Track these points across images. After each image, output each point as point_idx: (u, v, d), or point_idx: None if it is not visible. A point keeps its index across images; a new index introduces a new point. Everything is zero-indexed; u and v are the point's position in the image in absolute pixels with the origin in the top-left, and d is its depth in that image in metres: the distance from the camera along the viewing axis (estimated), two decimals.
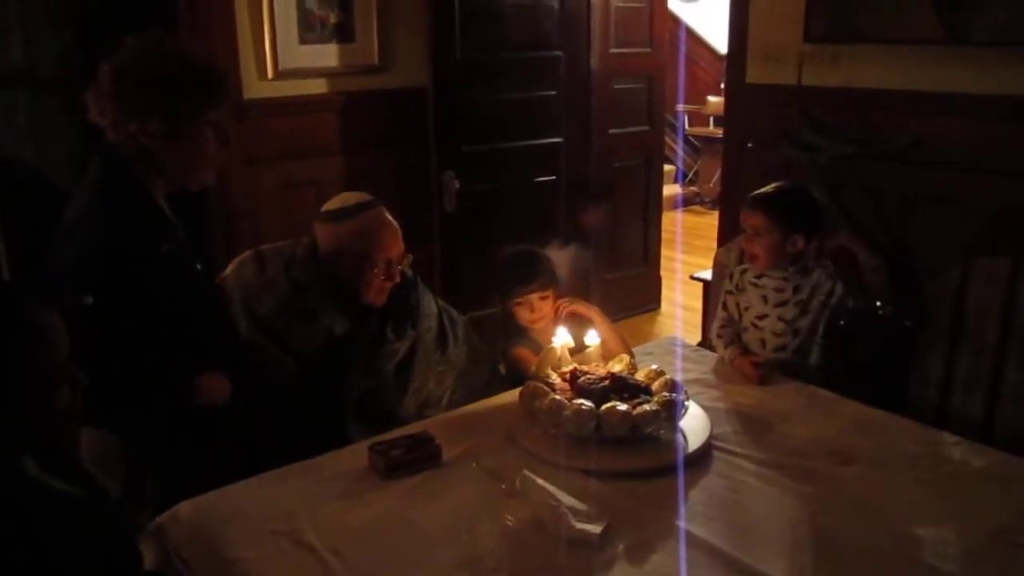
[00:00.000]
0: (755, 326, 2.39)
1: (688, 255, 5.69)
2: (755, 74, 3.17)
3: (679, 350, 2.48)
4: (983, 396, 2.30)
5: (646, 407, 1.84)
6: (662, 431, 1.87)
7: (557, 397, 1.91)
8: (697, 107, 8.12)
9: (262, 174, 3.25)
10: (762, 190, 2.40)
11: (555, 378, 2.04)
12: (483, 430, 1.97)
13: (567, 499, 1.62)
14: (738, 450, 1.88)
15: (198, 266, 2.04)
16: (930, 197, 2.69)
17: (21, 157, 3.51)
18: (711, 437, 1.90)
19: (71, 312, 1.69)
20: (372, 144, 3.48)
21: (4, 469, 1.20)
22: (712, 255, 3.03)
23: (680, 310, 4.95)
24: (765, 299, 2.38)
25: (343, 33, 3.35)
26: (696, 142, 8.36)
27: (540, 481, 1.67)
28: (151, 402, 1.84)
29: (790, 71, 2.97)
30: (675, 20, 7.34)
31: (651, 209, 4.93)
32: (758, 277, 2.40)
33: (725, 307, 2.50)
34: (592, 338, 2.19)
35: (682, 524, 1.61)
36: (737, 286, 2.46)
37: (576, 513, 1.58)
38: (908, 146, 2.70)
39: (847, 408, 2.09)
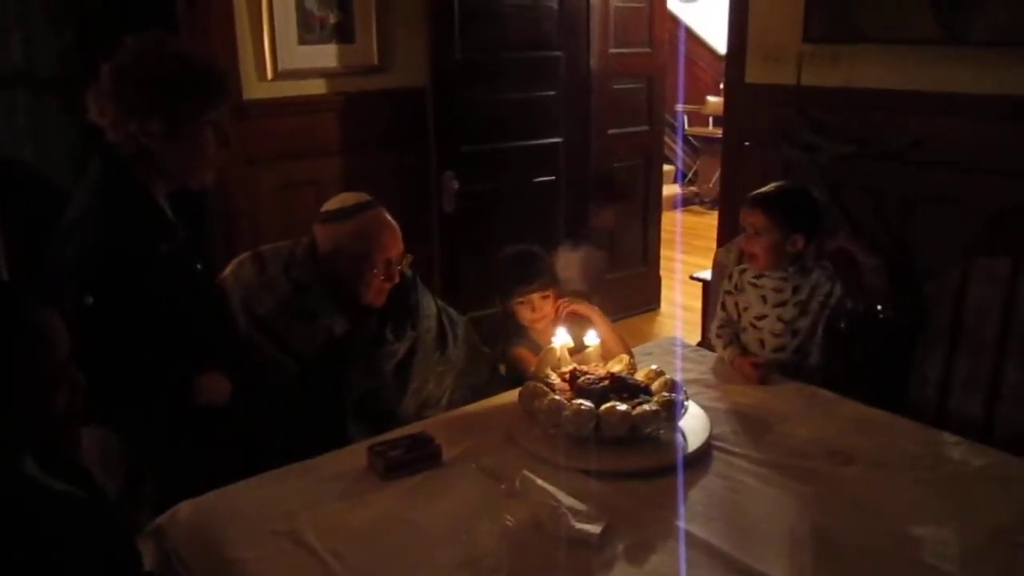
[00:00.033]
0: (754, 326, 2.39)
1: (687, 255, 5.69)
2: (754, 74, 3.17)
3: (679, 350, 2.48)
4: (983, 396, 2.30)
5: (646, 407, 1.84)
6: (662, 431, 1.87)
7: (557, 397, 1.91)
8: (696, 107, 8.12)
9: (262, 174, 3.25)
10: (762, 189, 2.40)
11: (555, 378, 2.04)
12: (483, 430, 1.97)
13: (567, 499, 1.62)
14: (738, 450, 1.88)
15: (198, 266, 2.04)
16: (930, 197, 2.69)
17: (21, 157, 3.51)
18: (711, 437, 1.90)
19: (71, 312, 1.70)
20: (372, 144, 3.48)
21: (4, 469, 1.20)
22: (711, 255, 3.03)
23: (679, 310, 4.95)
24: (764, 299, 2.38)
25: (342, 33, 3.35)
26: (695, 142, 8.36)
27: (540, 481, 1.67)
28: (151, 402, 1.84)
29: (789, 71, 2.97)
30: (674, 20, 7.34)
31: (650, 209, 4.93)
32: (757, 277, 2.40)
33: (724, 307, 2.50)
34: (592, 338, 2.19)
35: (682, 524, 1.61)
36: (736, 286, 2.46)
37: (576, 513, 1.58)
38: (908, 146, 2.70)
39: (847, 408, 2.09)
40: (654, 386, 1.97)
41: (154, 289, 1.84)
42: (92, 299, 1.76)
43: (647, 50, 4.70)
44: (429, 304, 2.38)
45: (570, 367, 2.06)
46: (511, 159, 3.92)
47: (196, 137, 1.93)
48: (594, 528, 1.55)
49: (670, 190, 7.55)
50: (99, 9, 3.25)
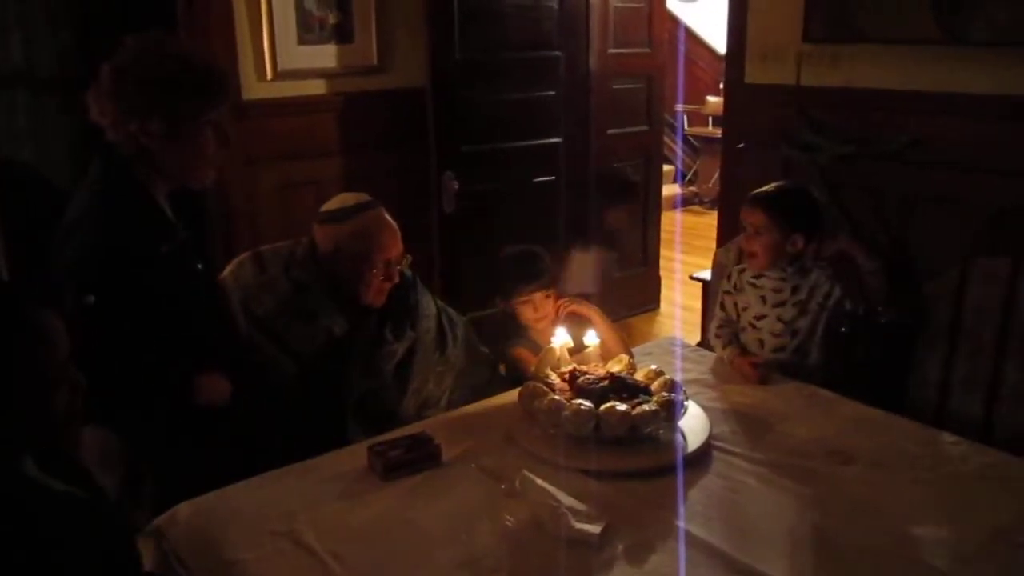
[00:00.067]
0: (753, 326, 2.39)
1: (687, 255, 5.69)
2: (754, 74, 3.17)
3: (678, 350, 2.48)
4: (982, 396, 2.30)
5: (645, 407, 1.84)
6: (661, 431, 1.87)
7: (556, 397, 1.91)
8: (696, 107, 8.12)
9: (261, 175, 3.25)
10: (763, 189, 2.40)
11: (554, 378, 2.04)
12: (482, 430, 1.97)
13: (567, 499, 1.62)
14: (737, 450, 1.88)
15: (199, 266, 2.04)
16: (930, 197, 2.69)
17: (21, 157, 3.51)
18: (710, 437, 1.90)
19: (71, 312, 1.70)
20: (371, 145, 3.48)
21: (4, 469, 1.20)
22: (711, 255, 3.03)
23: (679, 310, 4.95)
24: (763, 299, 2.38)
25: (342, 34, 3.35)
26: (695, 142, 8.36)
27: (539, 481, 1.67)
28: (151, 402, 1.84)
29: (789, 71, 2.97)
30: (674, 20, 7.34)
31: (650, 209, 4.93)
32: (756, 277, 2.40)
33: (723, 307, 2.50)
34: (591, 338, 2.19)
35: (681, 524, 1.61)
36: (735, 286, 2.46)
37: (576, 513, 1.58)
38: (908, 146, 2.70)
39: (847, 408, 2.09)
40: (654, 386, 1.97)
41: (154, 289, 1.84)
42: (93, 298, 1.76)
43: (647, 50, 4.70)
44: (429, 304, 2.38)
45: (570, 367, 2.06)
46: (511, 159, 3.92)
47: (196, 137, 1.93)
48: (594, 528, 1.55)
49: (670, 190, 7.55)
50: (99, 9, 3.25)
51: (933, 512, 1.65)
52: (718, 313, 2.50)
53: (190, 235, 2.01)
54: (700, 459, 1.84)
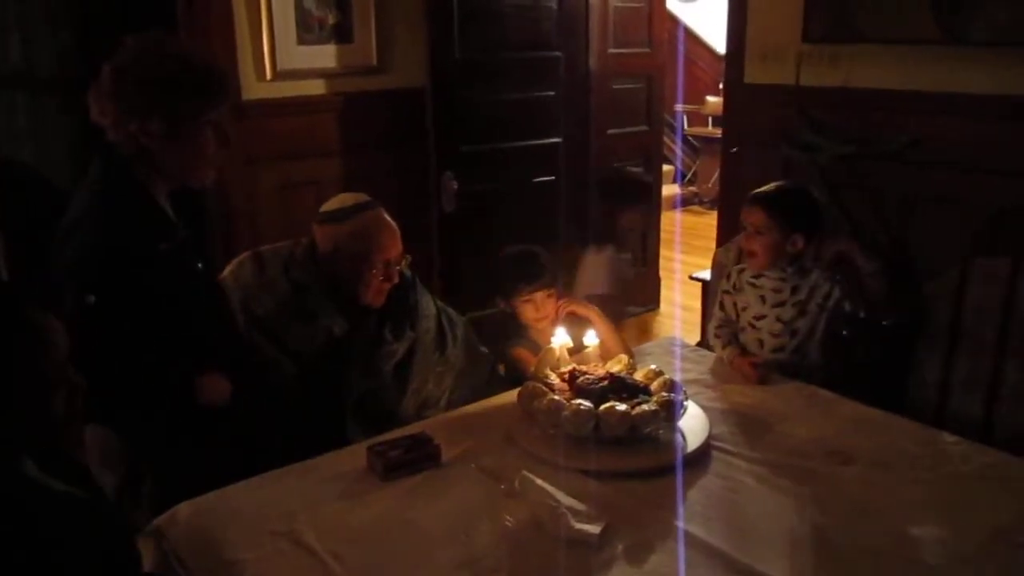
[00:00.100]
0: (752, 326, 2.39)
1: (687, 255, 5.69)
2: (754, 74, 3.17)
3: (678, 350, 2.48)
4: (982, 396, 2.30)
5: (645, 407, 1.84)
6: (661, 431, 1.87)
7: (556, 397, 1.91)
8: (696, 107, 8.12)
9: (261, 175, 3.25)
10: (763, 188, 2.40)
11: (554, 378, 2.04)
12: (482, 430, 1.97)
13: (566, 499, 1.62)
14: (737, 450, 1.88)
15: (199, 266, 2.04)
16: (930, 197, 2.69)
17: (21, 157, 3.51)
18: (710, 437, 1.90)
19: (71, 312, 1.70)
20: (371, 145, 3.48)
21: (4, 469, 1.20)
22: (711, 255, 3.03)
23: (679, 310, 4.95)
24: (763, 299, 2.38)
25: (341, 34, 3.35)
26: (695, 142, 8.36)
27: (539, 481, 1.67)
28: (151, 402, 1.84)
29: (789, 71, 2.97)
30: (674, 20, 7.33)
31: (650, 209, 4.93)
32: (756, 277, 2.40)
33: (722, 307, 2.50)
34: (591, 338, 2.19)
35: (681, 524, 1.61)
36: (735, 286, 2.46)
37: (575, 513, 1.58)
38: (908, 146, 2.70)
39: (846, 408, 2.09)
40: (653, 386, 1.97)
41: (154, 289, 1.84)
42: (93, 298, 1.76)
43: (646, 50, 4.70)
44: (428, 304, 2.38)
45: (569, 367, 2.06)
46: (511, 159, 3.92)
47: (196, 137, 1.93)
48: (594, 528, 1.55)
49: (669, 190, 7.55)
50: (99, 9, 3.25)
51: (933, 512, 1.65)
52: (717, 313, 2.50)
53: (190, 235, 2.01)
54: (699, 459, 1.84)
